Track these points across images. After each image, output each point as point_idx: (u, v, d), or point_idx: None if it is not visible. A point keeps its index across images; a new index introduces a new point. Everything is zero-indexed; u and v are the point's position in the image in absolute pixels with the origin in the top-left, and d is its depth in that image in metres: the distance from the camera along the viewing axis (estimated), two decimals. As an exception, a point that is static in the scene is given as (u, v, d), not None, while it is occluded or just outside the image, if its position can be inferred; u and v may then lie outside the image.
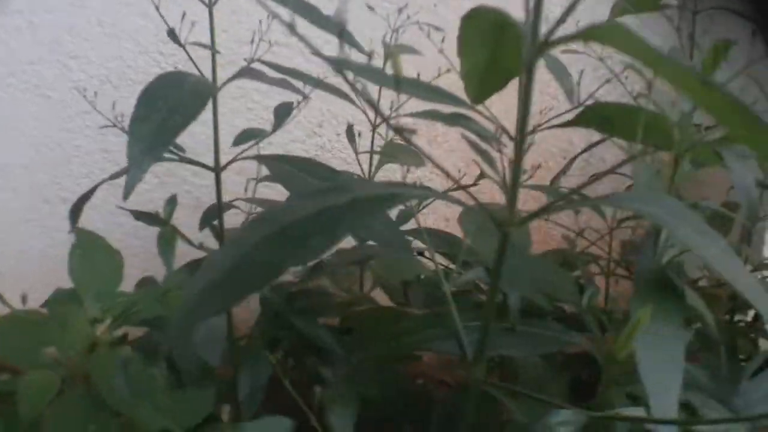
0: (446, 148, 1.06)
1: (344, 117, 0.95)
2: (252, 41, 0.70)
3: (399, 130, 0.37)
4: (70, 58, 0.84)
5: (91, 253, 0.48)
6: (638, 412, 0.42)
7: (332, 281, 0.72)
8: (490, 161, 0.71)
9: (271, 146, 0.94)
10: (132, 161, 0.48)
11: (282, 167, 0.60)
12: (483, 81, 0.51)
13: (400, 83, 0.58)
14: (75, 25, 0.84)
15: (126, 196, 0.46)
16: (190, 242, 0.62)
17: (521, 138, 0.67)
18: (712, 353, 0.68)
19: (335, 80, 0.78)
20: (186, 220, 0.70)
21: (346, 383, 0.56)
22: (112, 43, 0.86)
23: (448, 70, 0.75)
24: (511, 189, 0.40)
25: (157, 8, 0.64)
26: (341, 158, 0.99)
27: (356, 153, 0.73)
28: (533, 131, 0.66)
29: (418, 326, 0.56)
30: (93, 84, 0.85)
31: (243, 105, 0.92)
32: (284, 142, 0.94)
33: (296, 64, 0.89)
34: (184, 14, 0.65)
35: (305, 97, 0.65)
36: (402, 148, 0.76)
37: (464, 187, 0.47)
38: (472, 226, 0.52)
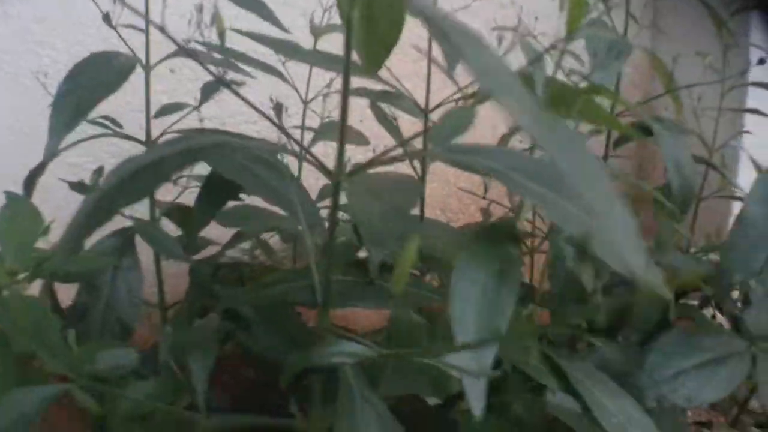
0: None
1: (295, 97, 1.00)
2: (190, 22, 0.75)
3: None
4: (39, 46, 0.89)
5: (15, 214, 0.53)
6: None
7: (265, 253, 0.76)
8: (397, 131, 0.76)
9: (226, 126, 0.99)
10: (52, 131, 0.53)
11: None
12: (367, 46, 0.56)
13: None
14: (45, 14, 0.89)
15: (45, 159, 0.52)
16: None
17: (426, 110, 0.71)
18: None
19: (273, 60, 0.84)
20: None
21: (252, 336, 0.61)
22: (77, 30, 0.91)
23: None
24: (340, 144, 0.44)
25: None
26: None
27: (283, 128, 0.77)
28: (441, 104, 0.71)
29: (285, 278, 0.59)
30: (58, 69, 0.91)
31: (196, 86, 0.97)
32: (237, 123, 0.99)
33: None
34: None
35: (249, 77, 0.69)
36: (334, 125, 0.80)
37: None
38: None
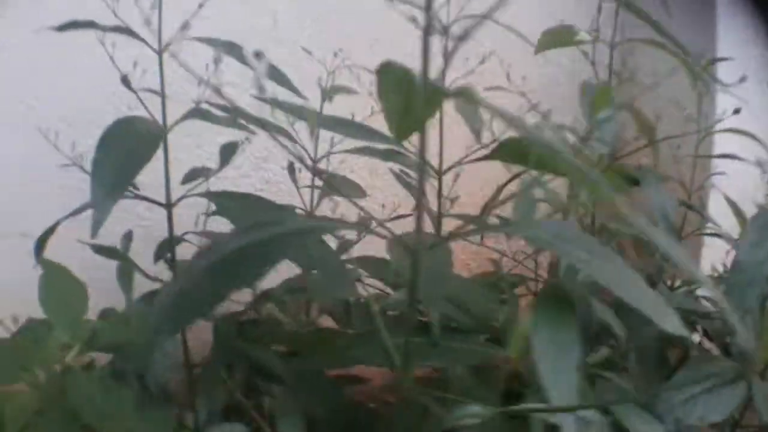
0: (386, 179, 1.14)
1: (280, 153, 1.03)
2: (199, 84, 0.77)
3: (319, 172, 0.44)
4: (32, 97, 0.89)
5: (58, 284, 0.54)
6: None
7: (280, 309, 0.78)
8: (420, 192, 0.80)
9: (220, 181, 1.01)
10: (96, 203, 0.54)
11: (228, 203, 0.67)
12: (401, 123, 0.59)
13: (334, 122, 0.67)
14: (36, 64, 0.88)
15: (93, 234, 0.53)
16: (146, 275, 0.69)
17: (440, 173, 0.76)
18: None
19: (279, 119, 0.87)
20: (142, 252, 0.76)
21: (292, 397, 0.63)
22: (69, 83, 0.91)
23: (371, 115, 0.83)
24: (418, 218, 0.48)
25: (111, 58, 0.70)
26: (286, 191, 1.05)
27: (297, 188, 0.80)
28: (453, 166, 0.75)
29: (351, 343, 0.63)
30: (53, 121, 0.91)
31: (193, 142, 0.99)
32: (234, 177, 1.00)
33: (244, 103, 0.97)
34: (135, 63, 0.71)
35: (253, 134, 0.72)
36: (343, 181, 0.84)
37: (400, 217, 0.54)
38: (397, 253, 0.59)
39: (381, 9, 1.07)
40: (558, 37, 0.86)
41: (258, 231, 0.42)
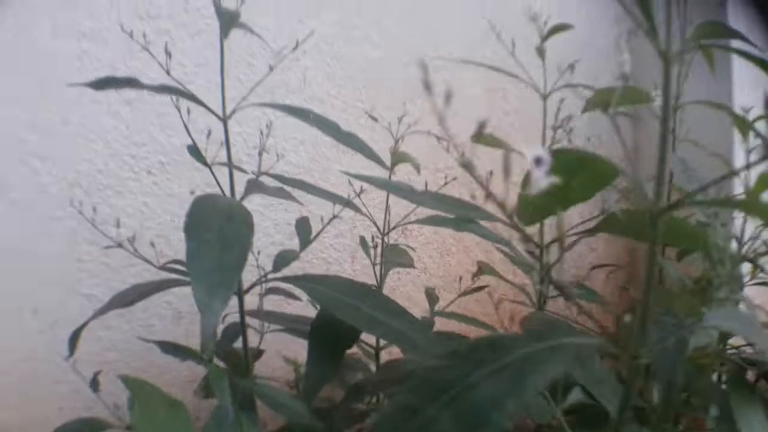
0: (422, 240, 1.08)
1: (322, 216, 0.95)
2: (260, 152, 0.69)
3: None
4: (36, 158, 0.78)
5: (152, 407, 0.44)
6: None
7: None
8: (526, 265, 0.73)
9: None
10: (202, 306, 0.45)
11: (312, 287, 0.59)
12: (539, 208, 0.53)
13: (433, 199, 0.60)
14: (37, 122, 0.78)
15: (204, 347, 0.44)
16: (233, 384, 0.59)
17: (541, 246, 0.70)
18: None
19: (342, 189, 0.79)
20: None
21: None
22: (80, 144, 0.80)
23: (455, 178, 0.77)
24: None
25: (186, 126, 0.61)
26: (334, 259, 0.99)
27: (373, 264, 0.72)
28: (554, 241, 0.69)
29: None
30: (61, 187, 0.80)
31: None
32: (263, 245, 0.92)
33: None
34: (209, 132, 0.62)
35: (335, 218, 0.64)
36: (400, 251, 0.77)
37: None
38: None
39: (405, 66, 1.04)
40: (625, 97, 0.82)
41: (483, 359, 0.34)
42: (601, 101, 0.82)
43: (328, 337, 0.60)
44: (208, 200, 0.55)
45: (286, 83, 0.93)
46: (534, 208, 0.51)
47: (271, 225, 0.93)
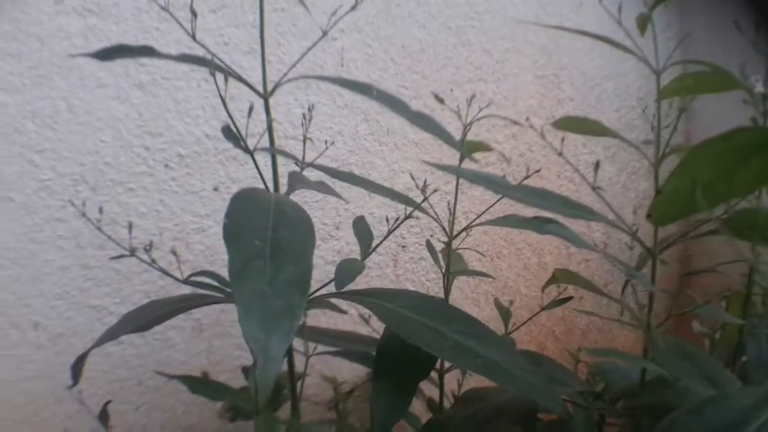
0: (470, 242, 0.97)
1: (376, 221, 0.84)
2: (303, 139, 0.58)
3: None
4: (35, 152, 0.67)
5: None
6: None
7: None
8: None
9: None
10: (257, 347, 0.33)
11: (382, 304, 0.48)
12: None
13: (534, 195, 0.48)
14: (37, 110, 0.66)
15: (264, 392, 0.32)
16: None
17: (655, 253, 0.59)
18: None
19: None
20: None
21: None
22: (86, 134, 0.69)
23: (539, 170, 0.66)
24: None
25: (222, 98, 0.50)
26: (375, 264, 0.89)
27: (443, 274, 0.61)
28: (672, 244, 0.58)
29: None
30: (65, 184, 0.68)
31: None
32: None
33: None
34: (251, 107, 0.50)
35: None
36: (460, 258, 0.66)
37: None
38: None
39: (453, 47, 0.94)
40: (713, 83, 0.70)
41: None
42: (684, 88, 0.71)
43: (399, 364, 0.48)
44: (251, 196, 0.44)
45: (322, 66, 0.82)
46: (678, 204, 0.40)
47: (305, 225, 0.82)
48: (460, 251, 0.69)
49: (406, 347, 0.46)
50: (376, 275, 0.87)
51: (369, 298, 0.48)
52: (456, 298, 0.96)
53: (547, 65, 1.03)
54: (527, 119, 0.97)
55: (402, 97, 0.88)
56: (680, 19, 1.22)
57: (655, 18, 1.07)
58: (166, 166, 0.74)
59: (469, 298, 0.97)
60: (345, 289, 0.49)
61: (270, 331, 0.34)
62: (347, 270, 0.49)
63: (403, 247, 0.89)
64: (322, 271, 0.81)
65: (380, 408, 0.48)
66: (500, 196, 0.52)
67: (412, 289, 0.89)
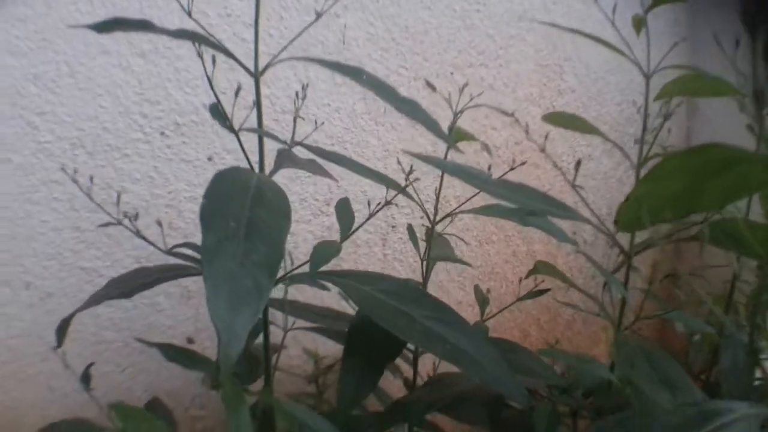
0: (460, 226, 0.98)
1: (354, 193, 0.85)
2: (295, 118, 0.59)
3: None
4: (35, 114, 0.68)
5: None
6: None
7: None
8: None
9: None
10: (221, 324, 0.35)
11: (355, 286, 0.49)
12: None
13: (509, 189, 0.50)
14: (39, 73, 0.67)
15: (224, 372, 0.34)
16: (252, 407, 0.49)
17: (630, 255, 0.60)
18: None
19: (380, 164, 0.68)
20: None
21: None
22: (86, 100, 0.70)
23: (524, 162, 0.67)
24: None
25: (209, 79, 0.51)
26: (364, 242, 0.89)
27: (422, 259, 0.62)
28: (648, 246, 0.59)
29: None
30: (63, 147, 0.70)
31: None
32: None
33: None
34: (238, 87, 0.51)
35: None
36: (442, 242, 0.67)
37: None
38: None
39: (456, 30, 0.93)
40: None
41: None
42: (680, 90, 0.71)
43: (369, 344, 0.50)
44: (231, 176, 0.45)
45: (323, 42, 0.82)
46: (652, 209, 0.40)
47: (297, 200, 0.83)
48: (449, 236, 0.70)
49: (377, 328, 0.47)
50: (364, 253, 0.88)
51: (344, 279, 0.49)
52: (443, 281, 0.97)
53: (550, 55, 1.02)
54: (520, 109, 0.97)
55: (401, 77, 0.89)
56: (691, 17, 1.21)
57: (663, 16, 1.06)
58: (162, 134, 0.74)
59: (455, 281, 0.98)
60: (324, 269, 0.51)
61: (236, 311, 0.36)
62: (323, 252, 0.50)
63: (393, 227, 0.89)
64: (310, 246, 0.82)
65: (348, 385, 0.50)
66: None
67: (400, 269, 0.90)
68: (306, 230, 0.83)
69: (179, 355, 0.49)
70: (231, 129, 0.50)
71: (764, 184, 0.37)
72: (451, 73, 0.91)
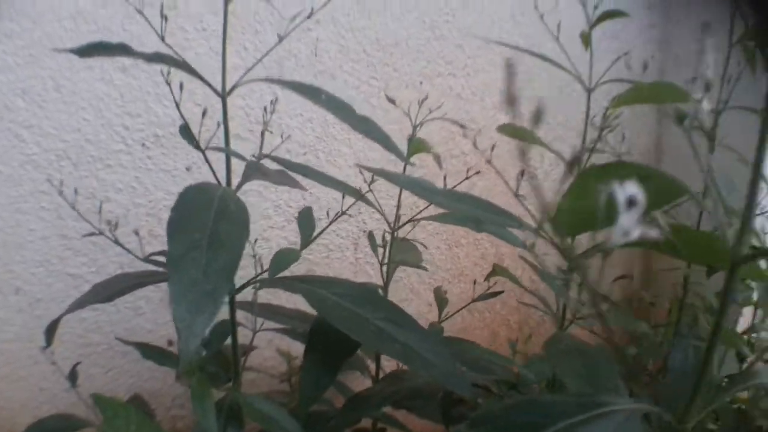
0: (430, 230, 1.02)
1: (326, 200, 0.89)
2: (262, 132, 0.63)
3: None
4: (23, 127, 0.72)
5: (120, 418, 0.39)
6: None
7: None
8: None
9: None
10: (181, 325, 0.39)
11: (314, 291, 0.53)
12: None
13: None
14: (27, 88, 0.71)
15: (181, 368, 0.38)
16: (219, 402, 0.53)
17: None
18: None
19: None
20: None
21: None
22: (71, 113, 0.74)
23: (478, 172, 0.71)
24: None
25: (177, 104, 0.55)
26: (336, 246, 0.93)
27: (381, 263, 0.66)
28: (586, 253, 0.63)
29: None
30: (49, 159, 0.74)
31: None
32: (261, 228, 0.86)
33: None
34: (204, 111, 0.56)
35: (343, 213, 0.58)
36: (408, 247, 0.71)
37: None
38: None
39: (426, 41, 0.97)
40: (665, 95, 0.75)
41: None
42: (634, 98, 0.75)
43: (326, 344, 0.54)
44: (198, 191, 0.49)
45: (296, 55, 0.86)
46: (575, 221, 0.45)
47: (271, 207, 0.87)
48: (416, 243, 0.74)
49: (333, 329, 0.51)
50: (336, 258, 0.93)
51: (303, 284, 0.54)
52: (414, 283, 1.01)
53: (518, 63, 1.06)
54: (488, 117, 1.01)
55: (372, 88, 0.93)
56: (665, 20, 1.25)
57: (638, 18, 1.09)
58: (143, 145, 0.79)
59: (426, 284, 1.02)
60: (284, 275, 0.55)
61: (196, 312, 0.40)
62: (282, 259, 0.55)
63: (364, 232, 0.93)
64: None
65: (308, 381, 0.54)
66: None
67: (372, 272, 0.95)
68: (280, 236, 0.87)
69: (154, 353, 0.53)
70: (198, 148, 0.54)
71: (676, 196, 0.41)
72: (420, 83, 0.95)
